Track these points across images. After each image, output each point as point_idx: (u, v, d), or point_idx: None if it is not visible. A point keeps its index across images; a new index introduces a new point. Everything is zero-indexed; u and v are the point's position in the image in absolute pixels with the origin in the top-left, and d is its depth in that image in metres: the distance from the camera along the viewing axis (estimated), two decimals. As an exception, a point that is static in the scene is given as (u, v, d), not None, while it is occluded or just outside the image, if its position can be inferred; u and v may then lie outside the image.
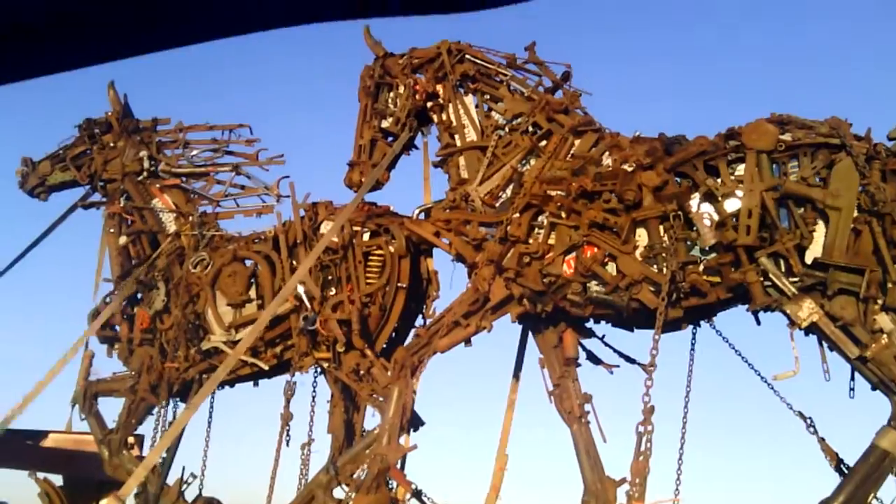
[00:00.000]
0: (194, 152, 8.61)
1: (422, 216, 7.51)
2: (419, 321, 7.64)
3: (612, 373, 6.82)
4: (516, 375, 7.43)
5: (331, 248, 7.16)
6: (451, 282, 7.17)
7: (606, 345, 6.81)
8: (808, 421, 6.14)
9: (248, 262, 7.53)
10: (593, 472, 6.15)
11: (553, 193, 6.06)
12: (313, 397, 7.90)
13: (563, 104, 6.66)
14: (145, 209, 8.31)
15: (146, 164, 8.38)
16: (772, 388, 6.19)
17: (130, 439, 8.05)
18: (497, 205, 6.41)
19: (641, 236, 5.79)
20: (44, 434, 9.29)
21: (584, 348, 6.64)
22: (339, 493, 7.08)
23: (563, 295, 6.03)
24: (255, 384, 7.92)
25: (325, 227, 7.38)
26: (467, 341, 6.43)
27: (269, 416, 7.21)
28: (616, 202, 5.77)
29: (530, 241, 6.10)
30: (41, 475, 7.92)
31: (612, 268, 5.88)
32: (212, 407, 7.91)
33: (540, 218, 6.17)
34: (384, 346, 7.33)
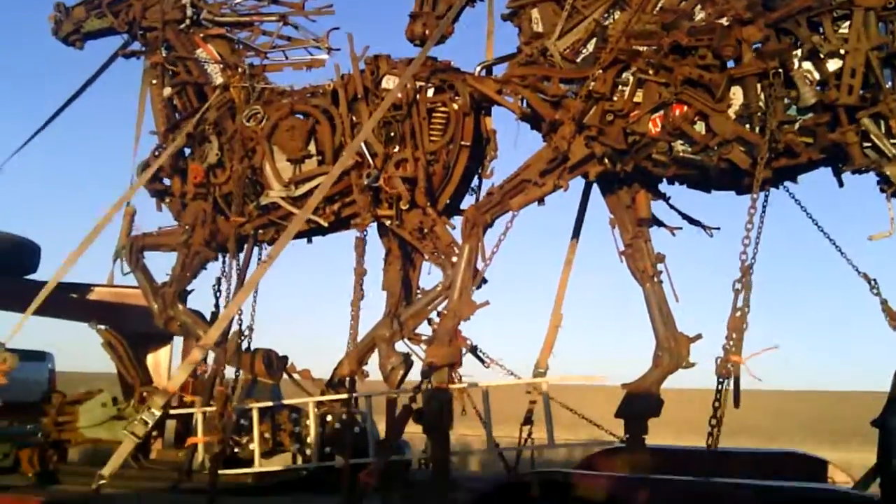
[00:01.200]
0: (237, 0, 8.21)
1: (483, 73, 7.32)
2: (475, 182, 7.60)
3: (674, 235, 6.85)
4: (575, 236, 7.45)
5: (394, 104, 6.96)
6: (515, 141, 7.06)
7: (672, 207, 6.81)
8: (873, 282, 6.19)
9: (306, 117, 7.31)
10: (666, 328, 6.26)
11: (642, 49, 5.85)
12: (363, 255, 7.94)
13: (647, -46, 6.32)
14: (190, 59, 7.98)
15: (189, 12, 7.99)
16: (839, 249, 6.21)
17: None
18: (578, 60, 6.19)
19: (736, 94, 5.64)
20: (87, 287, 9.32)
21: None
22: (401, 346, 7.23)
23: (646, 154, 5.94)
24: (309, 241, 7.89)
25: (388, 82, 7.15)
26: (541, 200, 6.37)
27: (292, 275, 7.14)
28: (712, 58, 5.58)
29: (614, 98, 5.94)
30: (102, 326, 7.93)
31: (700, 127, 5.76)
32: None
33: (625, 74, 5.97)
34: (446, 204, 7.28)
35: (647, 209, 6.46)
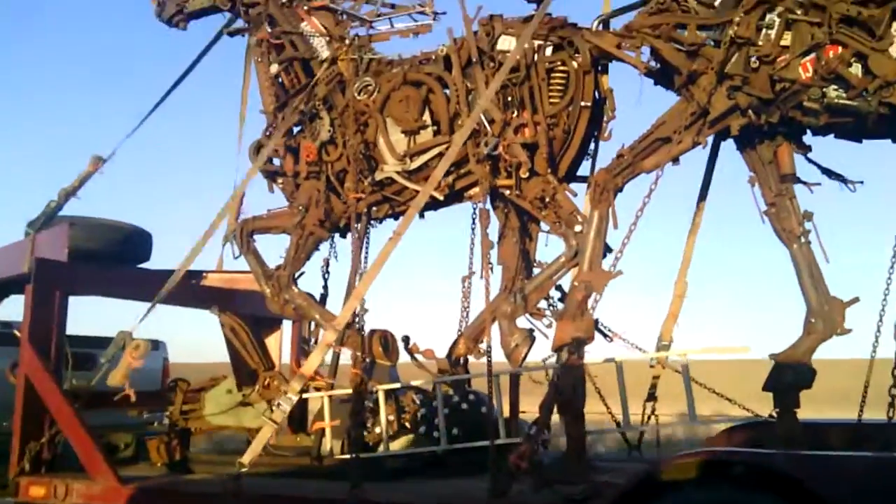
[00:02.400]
0: (339, -30, 7.97)
1: (600, 27, 6.90)
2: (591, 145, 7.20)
3: (812, 191, 6.32)
4: (702, 197, 7.00)
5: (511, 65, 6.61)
6: (638, 99, 6.62)
7: (810, 161, 6.28)
8: None
9: (419, 86, 7.03)
10: (818, 292, 5.77)
11: (789, -13, 5.34)
12: (473, 229, 7.65)
13: None
14: (295, 34, 7.79)
15: (292, -16, 7.81)
16: None
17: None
18: (717, 4, 5.72)
19: (898, 31, 5.09)
20: (199, 274, 9.32)
21: None
22: (522, 322, 6.91)
23: (795, 103, 5.44)
24: (422, 216, 7.62)
25: (504, 43, 6.81)
26: (675, 160, 5.94)
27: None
28: (871, -9, 5.05)
29: (759, 43, 5.45)
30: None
31: (856, 69, 5.23)
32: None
33: (769, 17, 5.48)
34: (566, 170, 6.92)
35: (792, 164, 5.96)
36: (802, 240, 5.83)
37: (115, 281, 7.53)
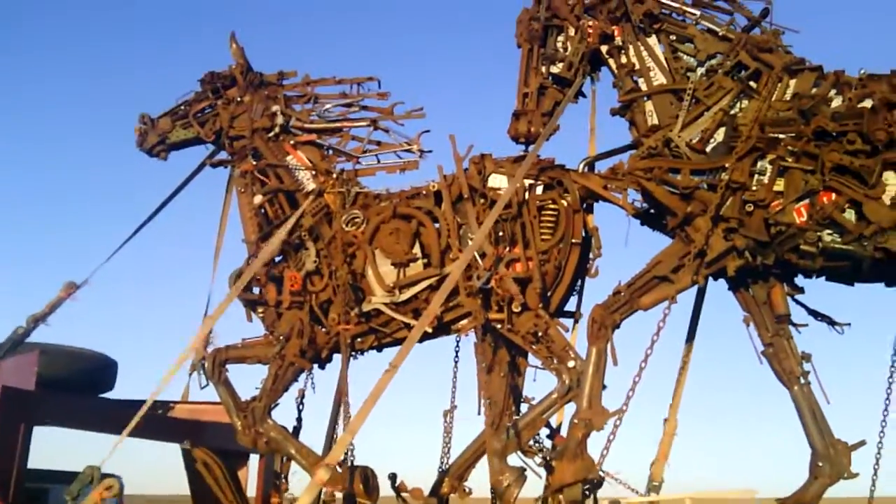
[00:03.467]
0: (326, 106, 8.10)
1: (586, 169, 7.12)
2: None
3: (799, 332, 6.41)
4: (691, 336, 7.04)
5: None
6: (626, 239, 6.76)
7: (798, 302, 6.41)
8: None
9: (409, 220, 7.06)
10: (822, 434, 5.75)
11: (780, 136, 5.60)
12: (456, 362, 7.54)
13: (767, 42, 6.18)
14: (280, 166, 7.81)
15: (279, 120, 7.88)
16: None
17: None
18: (708, 150, 5.95)
19: (889, 180, 5.34)
20: (164, 404, 8.91)
21: None
22: (513, 459, 6.71)
23: (791, 246, 5.60)
24: (407, 349, 7.50)
25: (494, 181, 6.93)
26: (672, 298, 6.00)
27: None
28: (861, 143, 5.31)
29: (753, 187, 5.66)
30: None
31: (850, 215, 5.44)
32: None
33: (759, 163, 5.72)
34: (556, 305, 6.93)
35: (786, 305, 6.08)
36: (802, 381, 5.86)
37: (82, 411, 7.11)
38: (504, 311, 6.64)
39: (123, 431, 6.49)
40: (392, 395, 6.06)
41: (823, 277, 6.04)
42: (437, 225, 6.99)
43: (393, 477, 6.92)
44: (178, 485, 8.01)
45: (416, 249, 6.96)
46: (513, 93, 7.02)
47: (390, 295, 6.92)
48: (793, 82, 5.91)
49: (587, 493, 5.92)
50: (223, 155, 8.27)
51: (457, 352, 7.46)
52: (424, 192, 7.15)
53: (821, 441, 5.72)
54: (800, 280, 6.15)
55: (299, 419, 7.66)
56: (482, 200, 6.89)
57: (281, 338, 7.29)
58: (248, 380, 7.61)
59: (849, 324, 6.47)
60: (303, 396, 7.66)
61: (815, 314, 6.39)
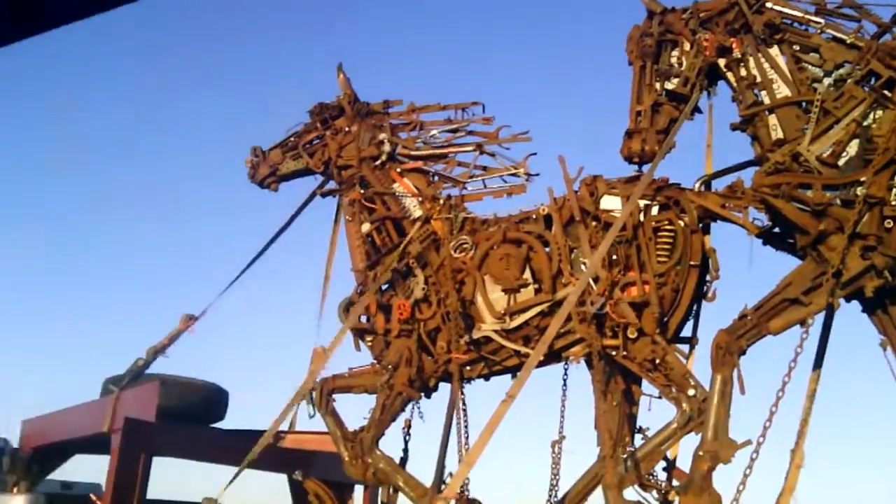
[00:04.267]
0: (431, 133, 8.08)
1: (702, 188, 6.83)
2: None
3: None
4: (818, 364, 6.59)
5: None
6: (749, 260, 6.41)
7: None
8: None
9: (519, 245, 6.91)
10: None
11: (921, 146, 5.21)
12: (564, 391, 7.27)
13: (901, 48, 5.80)
14: (387, 194, 7.81)
15: (387, 148, 7.90)
16: None
17: None
18: (841, 164, 5.59)
19: None
20: (260, 433, 8.97)
21: None
22: (630, 493, 6.39)
23: (936, 263, 5.17)
24: (514, 377, 7.30)
25: (607, 202, 6.72)
26: (804, 322, 5.62)
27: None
28: None
29: (892, 202, 5.27)
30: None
31: None
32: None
33: (897, 177, 5.33)
34: (673, 331, 6.61)
35: (927, 328, 5.61)
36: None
37: (200, 442, 7.20)
38: (619, 338, 6.39)
39: (243, 463, 6.51)
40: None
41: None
42: (547, 249, 6.80)
43: None
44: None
45: (527, 275, 6.79)
46: (619, 113, 6.85)
47: (500, 322, 6.76)
48: (931, 90, 5.51)
49: None
50: (332, 185, 8.35)
51: (565, 380, 7.22)
52: (534, 215, 6.99)
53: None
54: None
55: (405, 449, 7.57)
56: (594, 223, 6.68)
57: (389, 367, 7.22)
58: (353, 410, 7.59)
59: None
60: (409, 426, 7.57)
61: None
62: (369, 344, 7.50)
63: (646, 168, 6.71)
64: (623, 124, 6.76)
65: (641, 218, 6.54)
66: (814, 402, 6.55)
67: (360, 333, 7.53)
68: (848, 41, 6.05)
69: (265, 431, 7.51)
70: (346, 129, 8.21)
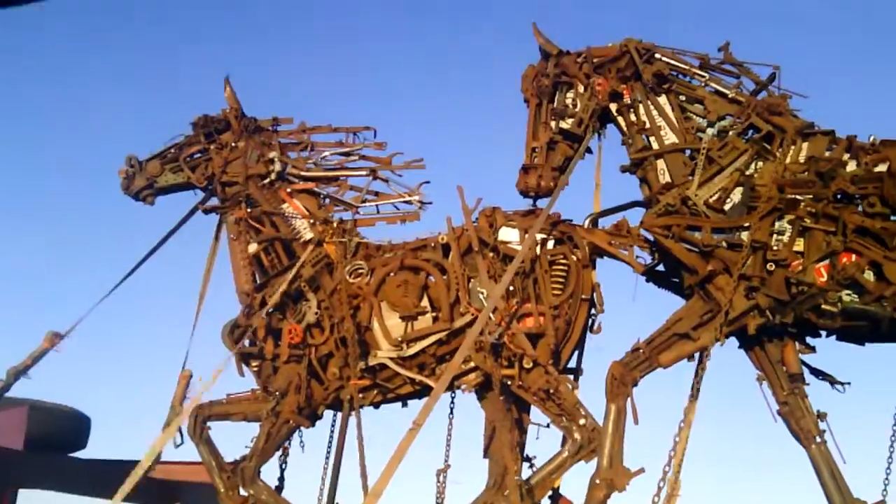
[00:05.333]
0: (323, 154, 7.96)
1: (590, 225, 7.15)
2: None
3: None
4: (694, 396, 7.03)
5: (511, 256, 6.67)
6: (633, 295, 6.78)
7: (803, 362, 6.49)
8: None
9: (417, 272, 6.94)
10: (841, 495, 5.78)
11: (799, 197, 5.73)
12: (451, 419, 7.37)
13: (777, 105, 6.36)
14: (276, 214, 7.61)
15: (277, 167, 7.69)
16: None
17: None
18: (726, 209, 6.04)
19: (908, 242, 5.49)
20: (132, 464, 8.45)
21: None
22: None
23: (811, 305, 5.68)
24: (405, 405, 7.30)
25: (505, 234, 6.89)
26: (691, 356, 6.02)
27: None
28: (881, 206, 5.47)
29: (773, 247, 5.75)
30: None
31: (869, 276, 5.56)
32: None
33: (778, 224, 5.83)
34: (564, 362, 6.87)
35: (799, 363, 6.15)
36: (819, 440, 5.90)
37: (70, 473, 6.65)
38: (514, 367, 6.54)
39: (116, 496, 6.09)
40: (377, 454, 5.88)
41: (834, 337, 6.14)
42: (445, 277, 6.87)
43: None
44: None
45: (425, 302, 6.83)
46: (511, 146, 7.09)
47: (397, 349, 6.75)
48: (805, 145, 6.09)
49: None
50: (214, 201, 8.01)
51: (452, 408, 7.32)
52: (432, 244, 7.04)
53: (840, 500, 5.74)
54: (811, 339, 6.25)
55: (282, 478, 7.40)
56: (492, 254, 6.83)
57: (277, 393, 7.01)
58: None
59: (849, 383, 6.57)
60: (286, 454, 7.40)
61: (816, 373, 6.46)
62: (255, 369, 7.25)
63: (541, 203, 6.98)
64: (515, 155, 7.03)
65: (538, 251, 6.75)
66: (688, 432, 6.98)
67: (245, 358, 7.26)
68: (729, 95, 6.57)
69: (137, 462, 7.08)
70: (233, 144, 7.91)
